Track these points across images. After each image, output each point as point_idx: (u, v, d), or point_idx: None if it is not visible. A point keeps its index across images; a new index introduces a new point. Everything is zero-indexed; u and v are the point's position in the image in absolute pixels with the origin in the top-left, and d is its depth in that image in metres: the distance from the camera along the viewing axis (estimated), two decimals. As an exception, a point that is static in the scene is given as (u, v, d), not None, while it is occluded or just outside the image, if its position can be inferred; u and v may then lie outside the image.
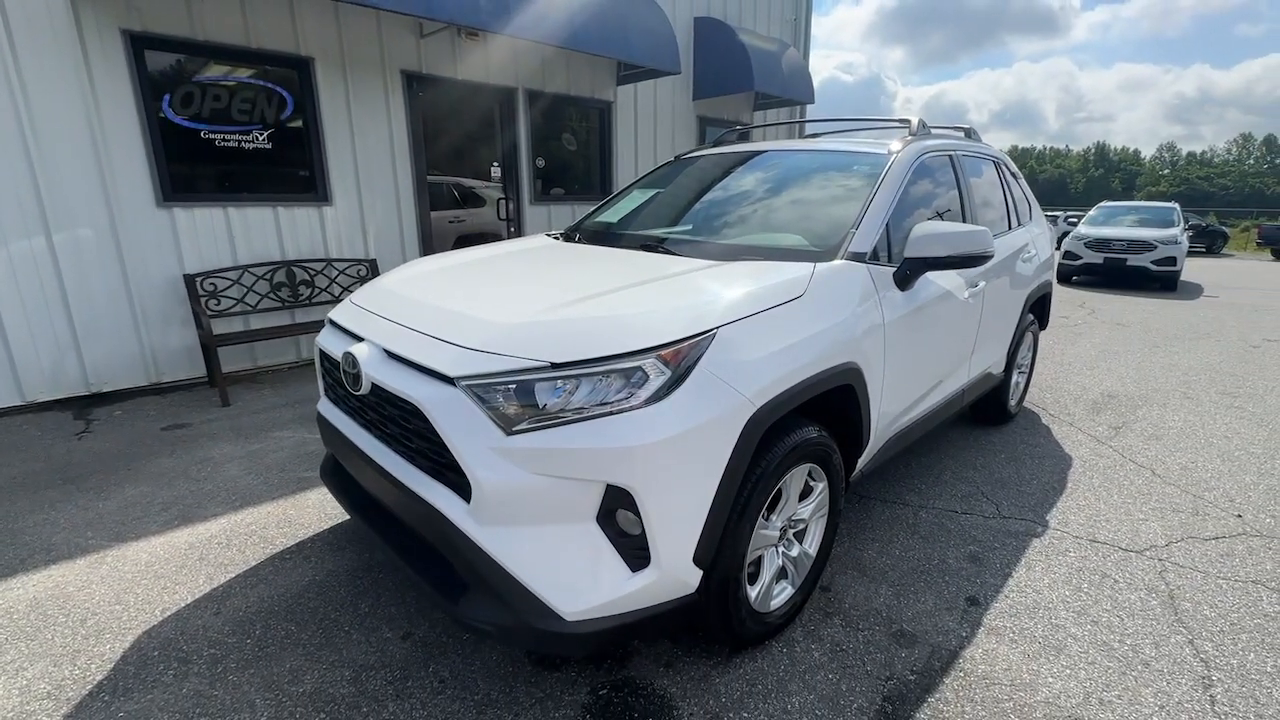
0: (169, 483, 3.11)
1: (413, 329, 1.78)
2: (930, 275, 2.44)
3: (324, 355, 2.13)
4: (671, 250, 2.40)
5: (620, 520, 1.54)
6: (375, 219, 5.42)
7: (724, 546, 1.67)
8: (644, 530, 1.52)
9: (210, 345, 4.22)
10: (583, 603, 1.53)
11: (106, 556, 2.48)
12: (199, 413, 4.10)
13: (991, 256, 2.29)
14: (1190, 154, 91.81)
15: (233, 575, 2.36)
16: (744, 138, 3.72)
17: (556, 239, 2.93)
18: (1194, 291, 10.81)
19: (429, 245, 5.83)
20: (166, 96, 4.33)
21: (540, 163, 6.55)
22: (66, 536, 2.62)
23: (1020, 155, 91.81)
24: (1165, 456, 3.59)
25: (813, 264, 2.06)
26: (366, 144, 5.24)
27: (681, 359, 1.55)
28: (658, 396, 1.51)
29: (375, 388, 1.77)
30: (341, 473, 2.26)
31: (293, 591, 2.26)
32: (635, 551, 1.55)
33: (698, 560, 1.62)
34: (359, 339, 1.92)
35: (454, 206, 8.93)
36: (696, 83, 7.67)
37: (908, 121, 2.96)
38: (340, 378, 1.99)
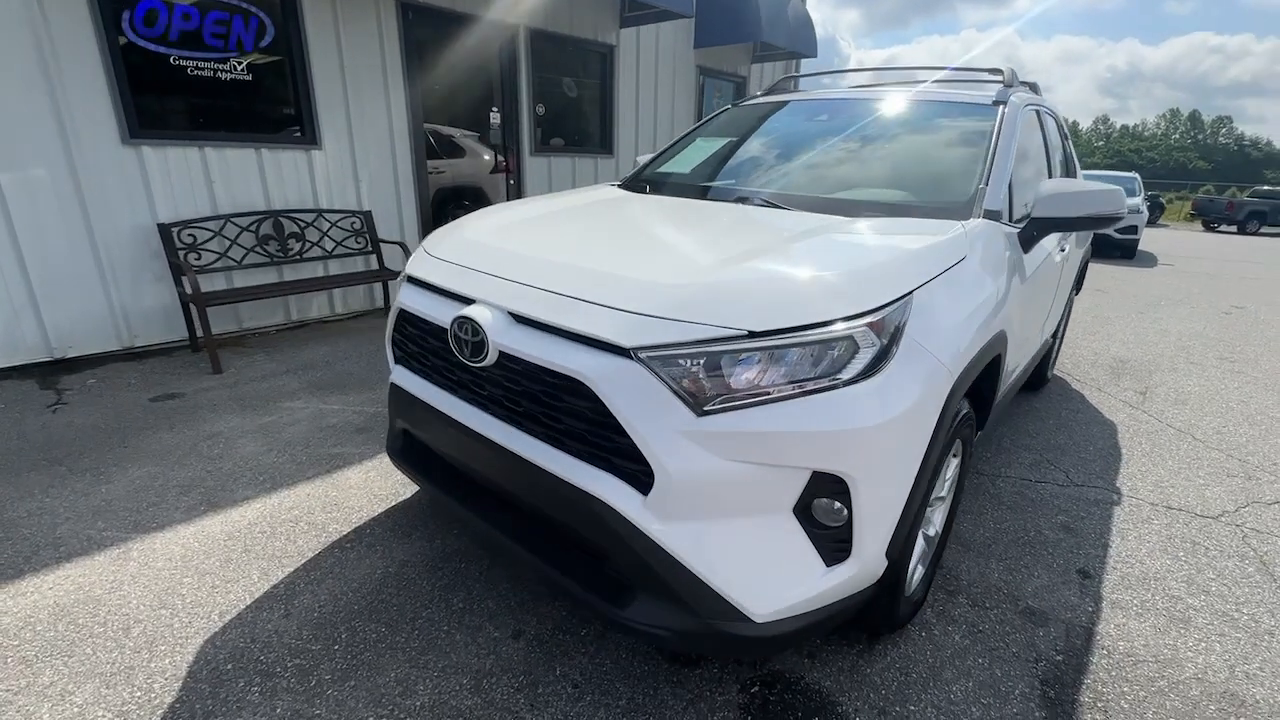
0: (179, 462, 2.74)
1: (548, 290, 1.51)
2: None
3: (410, 318, 1.83)
4: (778, 204, 2.18)
5: (817, 510, 1.36)
6: (368, 167, 4.91)
7: (911, 533, 1.52)
8: (849, 521, 1.34)
9: (199, 304, 3.74)
10: (775, 603, 1.36)
11: (131, 551, 2.14)
12: (189, 381, 3.65)
13: (1123, 218, 2.17)
14: (1124, 127, 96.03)
15: (291, 569, 2.07)
16: (797, 87, 3.46)
17: (627, 191, 2.64)
18: (1151, 260, 11.30)
19: (425, 198, 5.36)
20: (127, 14, 3.70)
21: (541, 110, 6.09)
22: (74, 528, 2.26)
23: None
24: (1198, 421, 3.67)
25: (960, 223, 1.88)
26: (358, 82, 4.69)
27: (887, 327, 1.36)
28: (870, 370, 1.32)
29: (504, 358, 1.50)
30: (426, 455, 1.99)
31: (368, 586, 2.00)
32: (834, 544, 1.38)
33: (889, 549, 1.46)
34: (464, 299, 1.63)
35: (430, 157, 8.31)
36: (698, 31, 7.26)
37: (1000, 71, 2.78)
38: (438, 346, 1.71)
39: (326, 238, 4.69)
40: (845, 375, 1.30)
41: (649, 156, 3.19)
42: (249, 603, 1.92)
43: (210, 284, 4.13)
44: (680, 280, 1.45)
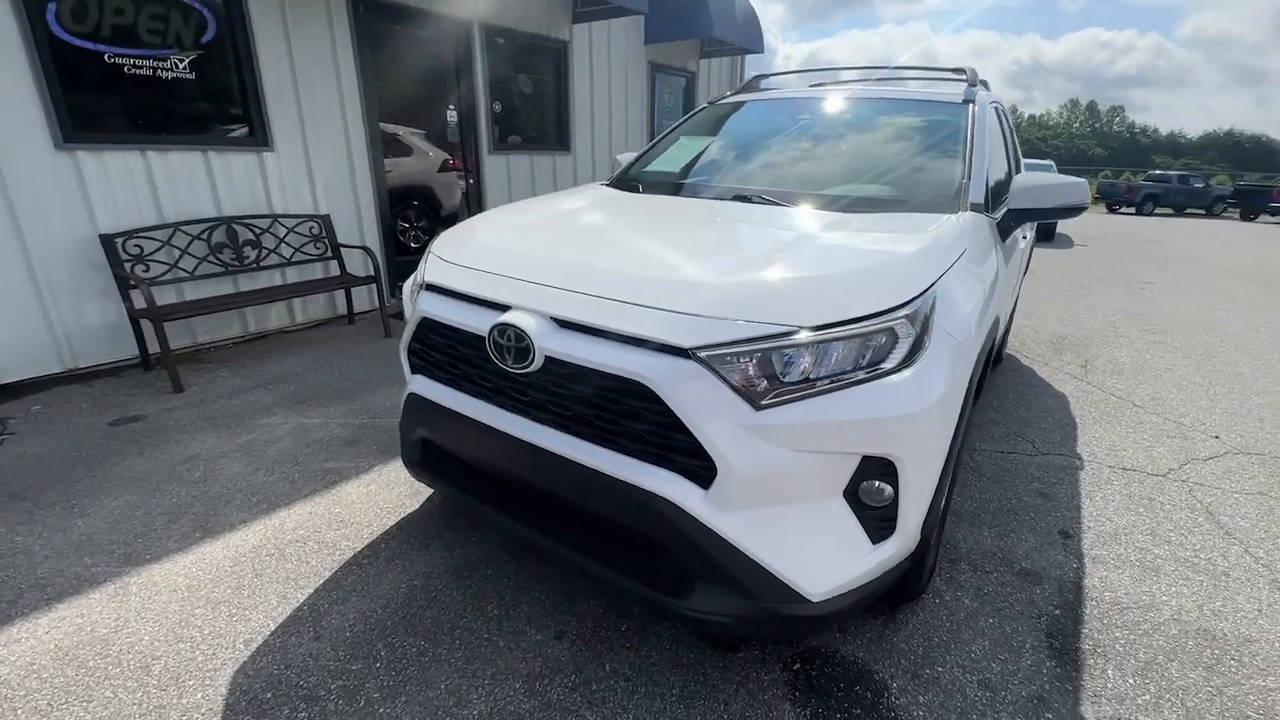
0: (159, 488, 2.58)
1: (592, 294, 1.53)
2: None
3: (435, 326, 1.80)
4: (778, 202, 2.26)
5: (864, 492, 1.45)
6: (323, 168, 4.71)
7: (941, 506, 1.63)
8: (895, 500, 1.44)
9: (156, 319, 3.51)
10: (829, 582, 1.44)
11: (129, 585, 2.02)
12: (149, 401, 3.43)
13: (1087, 208, 2.37)
14: (1031, 116, 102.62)
15: (311, 591, 2.01)
16: (764, 85, 3.56)
17: (622, 191, 2.67)
18: (1068, 242, 12.19)
19: (385, 200, 5.19)
20: (51, 6, 3.41)
21: (497, 108, 5.99)
22: (57, 566, 2.10)
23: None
24: (1134, 389, 4.03)
25: (954, 215, 2.02)
26: (310, 79, 4.49)
27: (919, 317, 1.46)
28: (910, 359, 1.41)
29: (550, 363, 1.52)
30: (450, 463, 1.97)
31: (395, 601, 1.97)
32: (880, 523, 1.47)
33: (924, 524, 1.57)
34: (498, 306, 1.63)
35: (376, 156, 8.01)
36: (649, 26, 7.30)
37: (963, 71, 2.96)
38: (470, 354, 1.70)
39: (284, 244, 4.48)
40: (888, 365, 1.39)
41: (631, 156, 3.22)
42: (273, 628, 1.85)
43: (161, 297, 3.87)
44: (726, 280, 1.50)
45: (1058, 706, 1.66)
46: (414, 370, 1.97)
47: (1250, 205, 21.13)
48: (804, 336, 1.36)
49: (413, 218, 7.51)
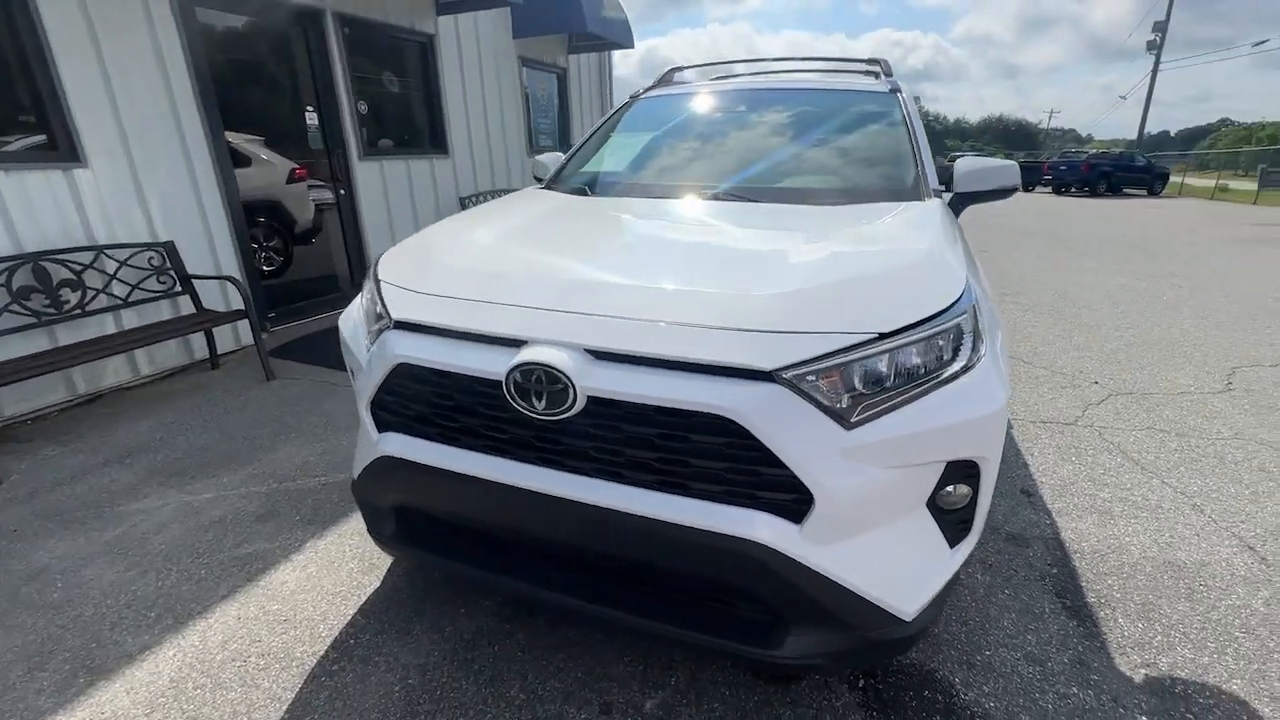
0: (2, 621, 1.93)
1: (629, 318, 1.31)
2: None
3: (419, 374, 1.46)
4: (751, 198, 2.17)
5: (943, 498, 1.38)
6: (158, 186, 3.87)
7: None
8: (973, 500, 1.39)
9: (-53, 398, 2.64)
10: (921, 598, 1.36)
11: (-6, 777, 1.45)
12: (-50, 506, 2.58)
13: (1019, 189, 2.54)
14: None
15: (274, 723, 1.58)
16: (678, 78, 3.45)
17: (571, 195, 2.42)
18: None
19: (240, 219, 4.41)
20: None
21: (363, 108, 5.34)
22: None
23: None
24: (1016, 347, 4.51)
25: (923, 203, 2.04)
26: (128, 76, 3.65)
27: (973, 311, 1.42)
28: (974, 354, 1.36)
29: (594, 404, 1.28)
30: (438, 531, 1.64)
31: (395, 710, 1.60)
32: (958, 526, 1.42)
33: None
34: (507, 341, 1.36)
35: (206, 168, 6.84)
36: (517, 20, 6.93)
37: (878, 62, 3.06)
38: (474, 402, 1.40)
39: (116, 282, 3.62)
40: (959, 364, 1.33)
41: (558, 156, 2.97)
42: (237, 788, 1.42)
43: (-55, 365, 2.94)
44: (785, 290, 1.35)
45: (1098, 666, 1.73)
46: (383, 428, 1.60)
47: (1027, 179, 25.13)
48: (882, 344, 1.26)
49: (261, 237, 6.54)
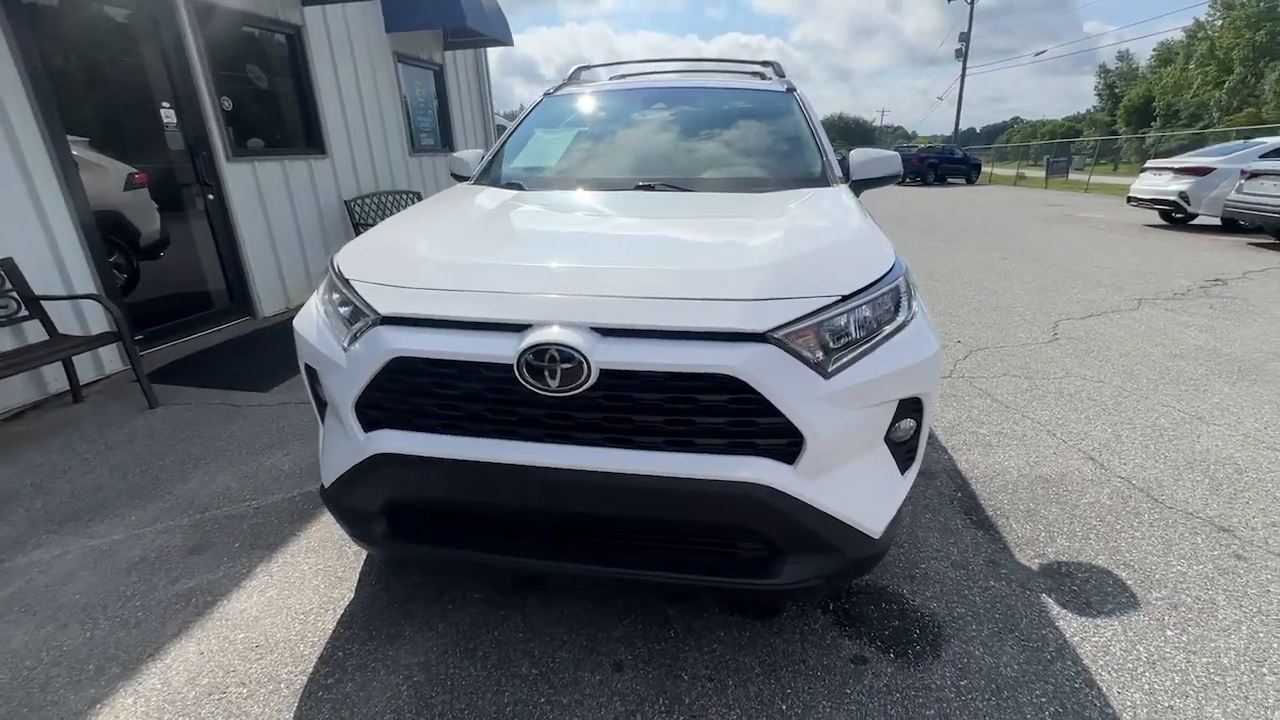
0: (-109, 710, 1.64)
1: (632, 295, 1.43)
2: None
3: (417, 366, 1.47)
4: (682, 188, 2.35)
5: (895, 431, 1.64)
6: (-13, 194, 3.32)
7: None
8: (917, 432, 1.66)
9: None
10: (885, 517, 1.60)
11: None
12: None
13: (901, 176, 2.94)
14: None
15: (279, 744, 1.51)
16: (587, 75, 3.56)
17: (510, 189, 2.46)
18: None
19: (91, 228, 3.88)
20: None
21: (227, 105, 4.87)
22: None
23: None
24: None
25: (832, 188, 2.34)
26: (-64, 66, 3.09)
27: (906, 275, 1.69)
28: (911, 311, 1.63)
29: (606, 377, 1.38)
30: (437, 523, 1.65)
31: (409, 710, 1.59)
32: (906, 455, 1.68)
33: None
34: (512, 326, 1.42)
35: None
36: (391, 14, 6.62)
37: (771, 64, 3.38)
38: (478, 388, 1.45)
39: (-58, 308, 3.07)
40: (900, 318, 1.59)
41: (475, 153, 2.97)
42: (257, 812, 1.36)
43: None
44: (762, 262, 1.53)
45: (1005, 563, 2.11)
46: (370, 426, 1.58)
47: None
48: (845, 305, 1.48)
49: (99, 253, 5.75)
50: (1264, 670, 1.67)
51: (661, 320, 1.39)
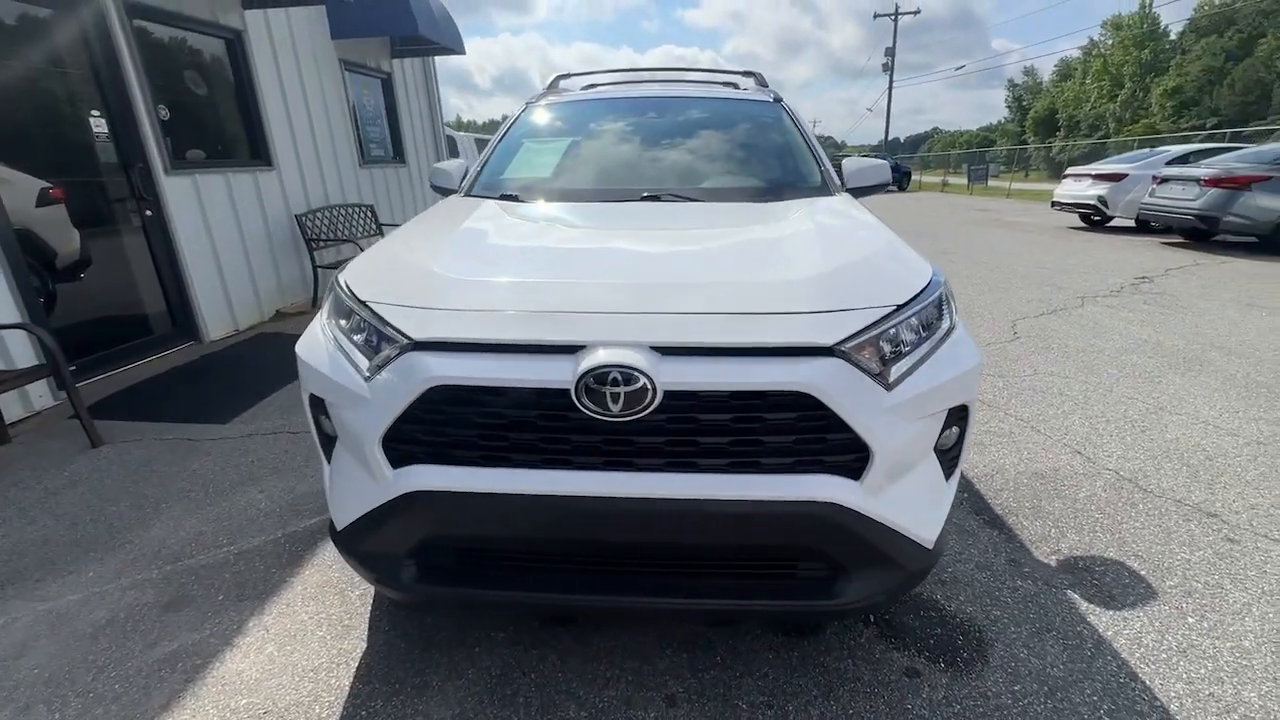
0: None
1: (693, 312, 1.37)
2: None
3: (460, 395, 1.35)
4: (689, 198, 2.31)
5: (941, 440, 1.63)
6: (-112, 213, 2.92)
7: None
8: (960, 439, 1.66)
9: None
10: (936, 526, 1.59)
11: None
12: None
13: (890, 184, 3.00)
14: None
15: (311, 825, 1.35)
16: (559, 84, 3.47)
17: (509, 201, 2.35)
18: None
19: (15, 251, 3.49)
20: None
21: (164, 114, 4.51)
22: None
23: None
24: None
25: (836, 197, 2.36)
26: None
27: (943, 281, 1.69)
28: (954, 317, 1.63)
29: (670, 399, 1.31)
30: (474, 562, 1.53)
31: (450, 769, 1.46)
32: (950, 462, 1.68)
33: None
34: (565, 348, 1.33)
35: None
36: (336, 20, 6.32)
37: (753, 74, 3.39)
38: (530, 416, 1.35)
39: None
40: (946, 325, 1.59)
41: (458, 163, 2.83)
42: None
43: None
44: (818, 274, 1.50)
45: (1025, 561, 2.15)
46: (400, 461, 1.45)
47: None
48: (900, 314, 1.46)
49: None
50: (1282, 650, 1.75)
51: (726, 336, 1.33)
